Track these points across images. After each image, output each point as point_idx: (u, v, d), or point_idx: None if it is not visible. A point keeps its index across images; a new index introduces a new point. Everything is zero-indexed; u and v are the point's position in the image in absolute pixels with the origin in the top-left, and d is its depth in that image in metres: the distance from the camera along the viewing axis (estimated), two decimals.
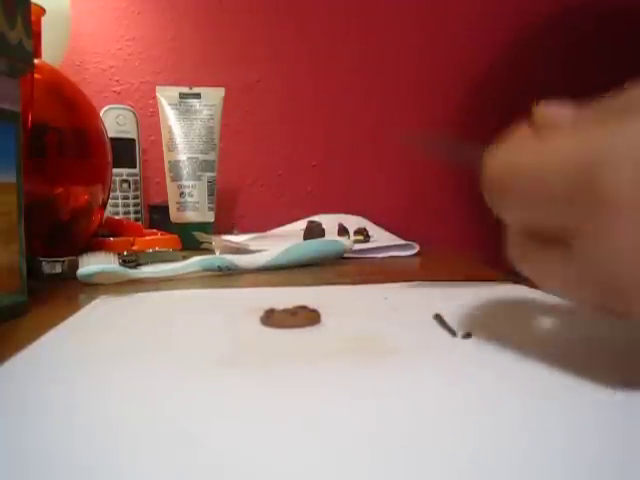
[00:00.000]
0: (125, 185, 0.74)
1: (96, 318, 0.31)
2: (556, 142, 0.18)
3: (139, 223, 0.72)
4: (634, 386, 0.19)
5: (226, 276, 0.44)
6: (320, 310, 0.29)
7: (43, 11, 0.50)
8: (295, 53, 0.95)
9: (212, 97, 0.73)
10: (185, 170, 0.71)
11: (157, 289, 0.38)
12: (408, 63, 0.97)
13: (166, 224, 0.71)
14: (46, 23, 0.51)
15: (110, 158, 0.54)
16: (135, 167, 0.76)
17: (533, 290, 0.35)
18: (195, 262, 0.43)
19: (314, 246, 0.52)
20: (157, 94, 0.73)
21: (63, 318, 0.30)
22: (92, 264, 0.39)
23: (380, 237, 0.68)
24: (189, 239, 0.60)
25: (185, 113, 0.72)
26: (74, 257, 0.42)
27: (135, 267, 0.46)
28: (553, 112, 0.20)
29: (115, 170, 0.62)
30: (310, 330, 0.27)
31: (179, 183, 0.71)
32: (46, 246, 0.47)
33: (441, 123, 0.96)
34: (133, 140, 0.76)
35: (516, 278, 0.38)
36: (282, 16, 0.94)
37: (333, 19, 0.95)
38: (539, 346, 0.24)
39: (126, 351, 0.24)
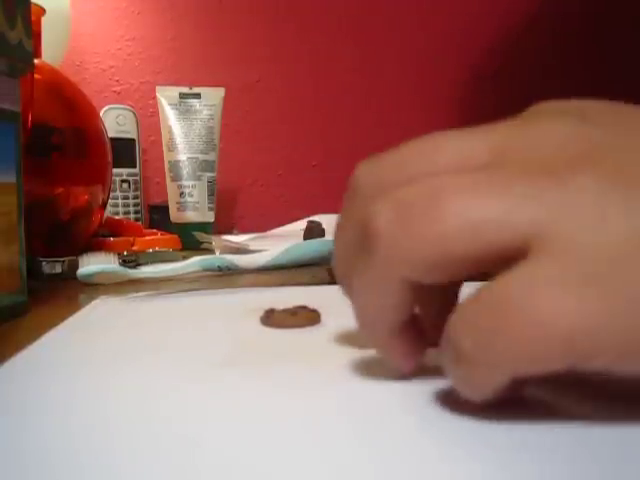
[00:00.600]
0: (125, 185, 0.74)
1: (96, 318, 0.31)
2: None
3: (139, 223, 0.72)
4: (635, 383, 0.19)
5: (226, 276, 0.44)
6: (320, 310, 0.29)
7: (43, 11, 0.50)
8: (295, 53, 0.95)
9: (212, 97, 0.73)
10: (185, 170, 0.71)
11: (157, 289, 0.38)
12: (408, 63, 0.97)
13: (166, 224, 0.71)
14: (46, 23, 0.51)
15: (110, 158, 0.54)
16: (135, 167, 0.76)
17: None
18: (195, 262, 0.43)
19: (314, 246, 0.52)
20: (157, 94, 0.73)
21: (63, 318, 0.30)
22: (92, 264, 0.39)
23: None
24: (189, 239, 0.60)
25: (185, 113, 0.72)
26: (74, 257, 0.42)
27: (135, 267, 0.46)
28: None
29: (115, 170, 0.62)
30: (310, 330, 0.27)
31: (179, 183, 0.71)
32: (46, 246, 0.47)
33: (441, 123, 0.96)
34: (133, 140, 0.76)
35: None
36: (282, 16, 0.94)
37: (333, 19, 0.96)
38: None
39: (126, 351, 0.24)
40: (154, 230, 0.65)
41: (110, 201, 0.66)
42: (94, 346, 0.25)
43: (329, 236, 0.60)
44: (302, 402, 0.18)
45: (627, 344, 0.14)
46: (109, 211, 0.70)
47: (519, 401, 0.17)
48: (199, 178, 0.72)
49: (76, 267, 0.39)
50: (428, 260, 0.16)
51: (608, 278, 0.14)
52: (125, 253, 0.49)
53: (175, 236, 0.61)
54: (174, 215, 0.72)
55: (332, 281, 0.41)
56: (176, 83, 0.77)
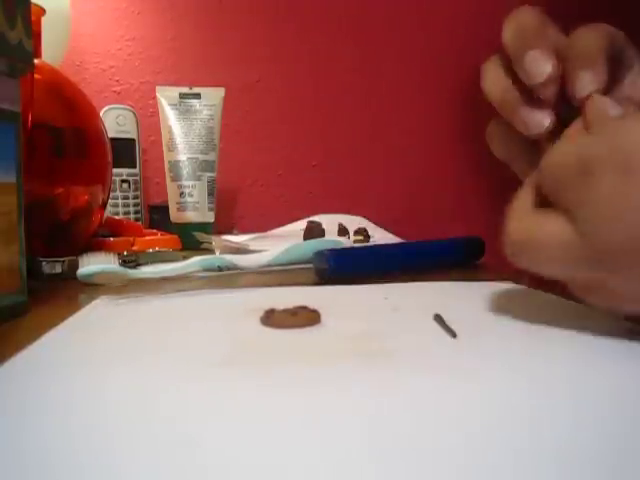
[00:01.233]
0: (125, 185, 0.74)
1: (96, 318, 0.31)
2: (577, 140, 0.24)
3: (139, 223, 0.72)
4: (637, 382, 0.19)
5: (226, 276, 0.44)
6: (320, 310, 0.29)
7: (43, 11, 0.50)
8: (295, 53, 0.95)
9: (212, 97, 0.73)
10: (185, 170, 0.71)
11: (157, 289, 0.38)
12: (408, 63, 0.97)
13: (166, 224, 0.71)
14: (46, 23, 0.51)
15: (110, 158, 0.54)
16: (135, 167, 0.76)
17: (533, 290, 0.35)
18: (195, 262, 0.43)
19: (314, 246, 0.52)
20: (157, 94, 0.73)
21: (63, 318, 0.30)
22: (92, 264, 0.39)
23: (380, 237, 0.68)
24: (189, 239, 0.60)
25: (185, 113, 0.72)
26: (74, 257, 0.42)
27: (135, 267, 0.46)
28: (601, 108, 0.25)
29: (115, 170, 0.62)
30: (310, 330, 0.27)
31: (179, 183, 0.71)
32: (46, 246, 0.47)
33: (442, 123, 0.96)
34: (133, 140, 0.76)
35: (516, 278, 0.38)
36: (282, 16, 0.94)
37: (333, 19, 0.96)
38: (540, 346, 0.24)
39: (126, 351, 0.24)
40: (154, 230, 0.65)
41: (110, 201, 0.66)
42: (94, 346, 0.25)
43: (329, 236, 0.60)
44: (302, 402, 0.18)
45: None
46: (109, 211, 0.70)
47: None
48: (199, 178, 0.72)
49: (76, 267, 0.39)
50: None
51: None
52: (125, 253, 0.49)
53: (175, 236, 0.61)
54: (174, 215, 0.72)
55: (319, 281, 0.41)
56: (176, 83, 0.77)
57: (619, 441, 0.15)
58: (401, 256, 0.46)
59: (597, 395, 0.18)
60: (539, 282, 0.33)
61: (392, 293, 0.36)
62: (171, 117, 0.72)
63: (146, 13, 0.91)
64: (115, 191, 0.72)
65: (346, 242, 0.54)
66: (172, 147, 0.72)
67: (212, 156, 0.73)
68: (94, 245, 0.51)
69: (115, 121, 0.75)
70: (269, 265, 0.47)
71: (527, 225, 0.24)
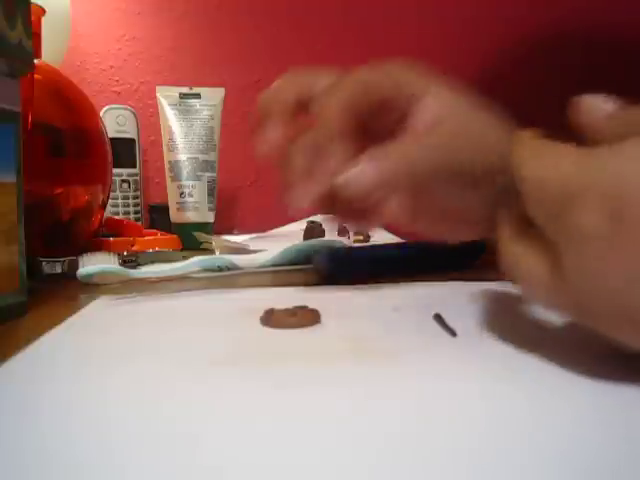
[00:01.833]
0: (125, 185, 0.74)
1: (96, 318, 0.31)
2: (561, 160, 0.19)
3: (139, 223, 0.72)
4: (638, 382, 0.19)
5: (226, 276, 0.44)
6: (320, 310, 0.29)
7: (43, 11, 0.50)
8: (295, 53, 0.95)
9: (212, 97, 0.73)
10: (185, 170, 0.71)
11: (157, 289, 0.38)
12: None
13: (166, 224, 0.71)
14: (46, 23, 0.51)
15: (110, 158, 0.54)
16: (135, 167, 0.76)
17: None
18: (195, 262, 0.43)
19: (314, 246, 0.52)
20: (157, 94, 0.73)
21: (63, 318, 0.30)
22: (92, 264, 0.39)
23: (380, 237, 0.68)
24: (189, 239, 0.60)
25: (185, 113, 0.72)
26: (74, 257, 0.42)
27: (135, 267, 0.46)
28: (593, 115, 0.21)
29: (115, 170, 0.62)
30: (310, 330, 0.27)
31: (179, 183, 0.71)
32: (46, 246, 0.47)
33: None
34: (133, 140, 0.76)
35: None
36: (282, 16, 0.94)
37: (333, 19, 0.96)
38: (540, 345, 0.24)
39: (126, 351, 0.24)
40: (154, 230, 0.65)
41: (110, 201, 0.66)
42: (94, 346, 0.25)
43: (329, 236, 0.60)
44: (302, 402, 0.18)
45: None
46: (109, 211, 0.70)
47: None
48: (199, 178, 0.71)
49: (76, 267, 0.39)
50: None
51: None
52: (125, 253, 0.49)
53: (175, 236, 0.61)
54: (174, 215, 0.72)
55: (319, 281, 0.41)
56: (176, 83, 0.77)
57: (619, 440, 0.15)
58: (401, 256, 0.46)
59: (597, 394, 0.18)
60: None
61: (392, 293, 0.36)
62: (171, 117, 0.72)
63: (146, 13, 0.91)
64: (115, 191, 0.72)
65: (346, 242, 0.54)
66: (172, 147, 0.71)
67: (212, 156, 0.73)
68: (94, 245, 0.51)
69: (115, 121, 0.75)
70: (269, 265, 0.47)
71: (510, 254, 0.22)
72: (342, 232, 0.65)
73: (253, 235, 0.69)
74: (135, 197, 0.75)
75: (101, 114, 0.71)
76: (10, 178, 0.31)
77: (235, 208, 0.95)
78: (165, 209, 0.73)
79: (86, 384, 0.20)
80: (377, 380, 0.20)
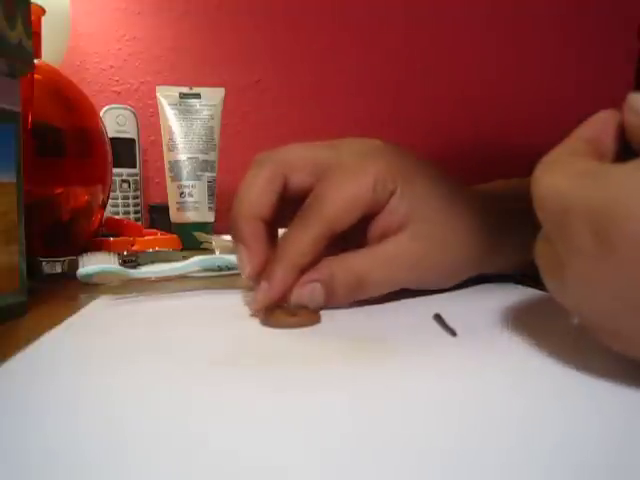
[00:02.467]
0: (125, 185, 0.74)
1: (96, 318, 0.31)
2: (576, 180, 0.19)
3: (139, 223, 0.72)
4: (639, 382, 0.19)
5: (226, 276, 0.44)
6: (320, 310, 0.29)
7: (43, 11, 0.50)
8: (295, 53, 0.95)
9: (212, 97, 0.73)
10: (185, 170, 0.71)
11: (157, 289, 0.38)
12: (409, 63, 0.97)
13: (166, 224, 0.71)
14: (46, 23, 0.51)
15: (110, 158, 0.54)
16: (135, 167, 0.76)
17: (534, 290, 0.35)
18: (195, 262, 0.43)
19: None
20: (157, 94, 0.73)
21: (63, 318, 0.30)
22: (92, 264, 0.39)
23: None
24: (189, 239, 0.60)
25: (185, 113, 0.72)
26: (74, 257, 0.42)
27: (135, 267, 0.46)
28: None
29: (115, 170, 0.62)
30: (310, 330, 0.27)
31: (179, 183, 0.71)
32: (46, 246, 0.47)
33: (443, 122, 0.96)
34: (133, 140, 0.76)
35: (517, 278, 0.38)
36: (282, 16, 0.94)
37: (333, 19, 0.95)
38: (541, 346, 0.24)
39: (126, 351, 0.24)
40: (154, 230, 0.65)
41: (110, 201, 0.66)
42: (94, 346, 0.25)
43: None
44: (302, 402, 0.18)
45: None
46: (109, 211, 0.70)
47: None
48: (199, 178, 0.72)
49: (76, 267, 0.39)
50: None
51: None
52: (125, 253, 0.49)
53: (175, 236, 0.61)
54: (174, 215, 0.72)
55: None
56: (176, 83, 0.77)
57: (619, 440, 0.15)
58: None
59: (598, 394, 0.19)
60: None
61: (392, 293, 0.36)
62: (171, 117, 0.72)
63: (146, 13, 0.91)
64: (115, 191, 0.72)
65: None
66: (172, 147, 0.72)
67: (212, 156, 0.73)
68: (94, 245, 0.51)
69: (115, 121, 0.75)
70: None
71: (539, 250, 0.22)
72: None
73: None
74: (135, 197, 0.75)
75: (101, 114, 0.71)
76: (10, 178, 0.31)
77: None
78: (165, 209, 0.73)
79: (86, 384, 0.20)
80: (377, 380, 0.20)
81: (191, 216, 0.71)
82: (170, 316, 0.31)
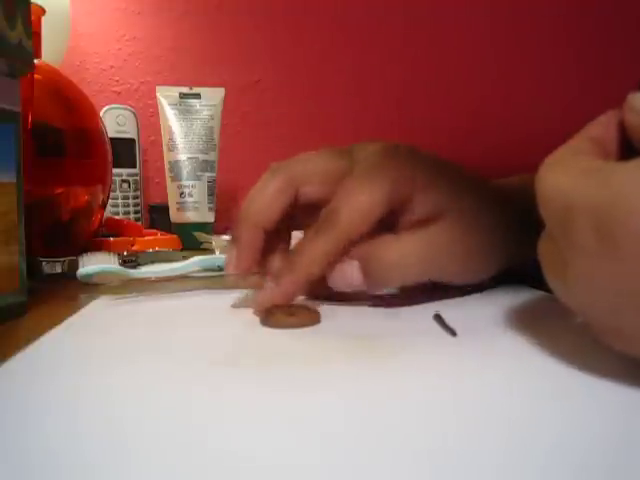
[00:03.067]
0: (125, 185, 0.74)
1: (96, 318, 0.31)
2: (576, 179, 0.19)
3: (139, 223, 0.72)
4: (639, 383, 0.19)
5: (226, 276, 0.44)
6: (320, 310, 0.29)
7: (43, 11, 0.50)
8: (295, 53, 0.95)
9: (212, 97, 0.73)
10: (185, 170, 0.71)
11: (157, 289, 0.38)
12: (408, 63, 0.97)
13: (166, 224, 0.71)
14: (46, 23, 0.51)
15: (110, 158, 0.54)
16: (135, 167, 0.76)
17: (534, 290, 0.35)
18: (195, 262, 0.43)
19: None
20: (157, 94, 0.73)
21: (63, 318, 0.30)
22: (92, 264, 0.39)
23: None
24: (189, 239, 0.60)
25: (185, 113, 0.72)
26: (74, 257, 0.42)
27: (135, 267, 0.46)
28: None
29: (115, 170, 0.62)
30: (310, 330, 0.27)
31: (179, 183, 0.71)
32: (46, 246, 0.47)
33: (443, 122, 0.96)
34: (133, 140, 0.76)
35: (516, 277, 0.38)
36: (282, 16, 0.94)
37: (333, 19, 0.95)
38: (541, 346, 0.24)
39: (126, 351, 0.24)
40: (154, 230, 0.65)
41: (110, 201, 0.66)
42: (94, 346, 0.25)
43: None
44: (302, 402, 0.18)
45: None
46: (109, 211, 0.70)
47: None
48: (199, 178, 0.72)
49: (76, 267, 0.39)
50: None
51: None
52: (125, 253, 0.49)
53: (175, 236, 0.61)
54: (174, 215, 0.72)
55: None
56: (176, 83, 0.77)
57: (620, 440, 0.15)
58: None
59: (598, 394, 0.19)
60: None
61: (392, 292, 0.36)
62: (171, 117, 0.72)
63: (146, 13, 0.91)
64: (115, 191, 0.72)
65: None
66: (172, 147, 0.72)
67: (212, 156, 0.73)
68: (94, 245, 0.51)
69: (115, 121, 0.75)
70: None
71: (542, 249, 0.22)
72: None
73: None
74: (135, 197, 0.75)
75: (101, 114, 0.71)
76: (10, 178, 0.31)
77: (235, 208, 0.94)
78: (165, 209, 0.73)
79: (86, 384, 0.20)
80: (377, 380, 0.20)
81: (191, 216, 0.71)
82: (170, 316, 0.31)
